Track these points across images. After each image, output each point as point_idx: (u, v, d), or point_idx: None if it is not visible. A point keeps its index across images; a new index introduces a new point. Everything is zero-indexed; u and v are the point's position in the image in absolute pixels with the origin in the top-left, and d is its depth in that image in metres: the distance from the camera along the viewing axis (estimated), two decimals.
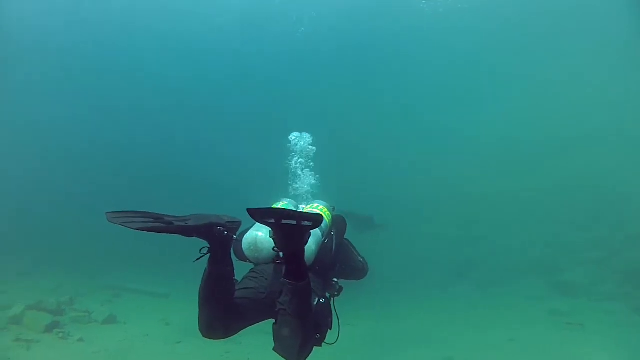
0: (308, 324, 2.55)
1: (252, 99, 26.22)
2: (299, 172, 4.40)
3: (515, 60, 23.80)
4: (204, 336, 2.70)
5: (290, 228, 2.30)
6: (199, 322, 2.67)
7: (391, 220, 16.05)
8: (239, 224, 2.79)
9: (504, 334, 10.14)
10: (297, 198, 4.11)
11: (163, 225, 2.44)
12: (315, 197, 4.17)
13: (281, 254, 2.65)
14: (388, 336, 10.89)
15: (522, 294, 13.28)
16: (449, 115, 25.08)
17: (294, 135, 4.59)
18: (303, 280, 2.48)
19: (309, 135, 4.61)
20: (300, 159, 4.48)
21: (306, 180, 4.37)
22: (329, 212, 3.32)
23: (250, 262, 3.07)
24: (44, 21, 21.37)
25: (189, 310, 10.04)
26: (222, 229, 2.61)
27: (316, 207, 3.29)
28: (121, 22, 22.89)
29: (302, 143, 4.54)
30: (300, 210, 3.30)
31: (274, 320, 2.68)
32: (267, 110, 24.95)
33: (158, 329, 10.63)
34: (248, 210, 2.23)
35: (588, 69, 22.02)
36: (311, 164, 4.51)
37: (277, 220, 2.27)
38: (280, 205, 3.34)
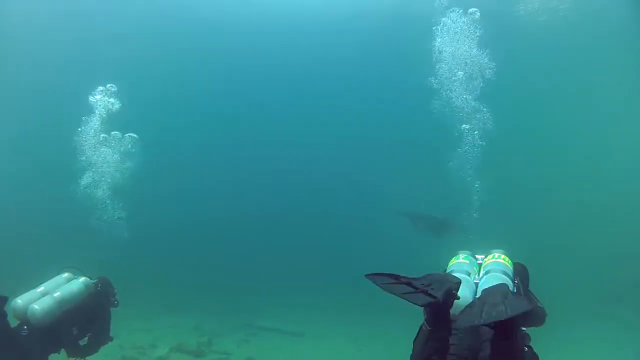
0: None
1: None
2: None
3: None
4: None
5: None
6: None
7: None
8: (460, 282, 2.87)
9: None
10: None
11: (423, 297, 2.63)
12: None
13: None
14: None
15: None
16: (598, 126, 22.39)
17: None
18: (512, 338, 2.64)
19: None
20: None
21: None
22: (510, 260, 3.33)
23: None
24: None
25: (325, 353, 9.78)
26: (455, 291, 2.73)
27: (498, 257, 3.32)
28: None
29: None
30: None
31: None
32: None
33: None
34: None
35: None
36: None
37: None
38: (461, 258, 3.38)
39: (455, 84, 10.19)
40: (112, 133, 9.67)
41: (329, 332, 12.89)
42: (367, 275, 2.70)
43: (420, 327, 2.83)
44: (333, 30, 21.35)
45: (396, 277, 2.66)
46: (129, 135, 9.82)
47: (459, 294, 2.78)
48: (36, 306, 4.06)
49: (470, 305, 2.70)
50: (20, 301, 4.11)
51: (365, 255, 17.01)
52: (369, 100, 23.72)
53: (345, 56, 22.07)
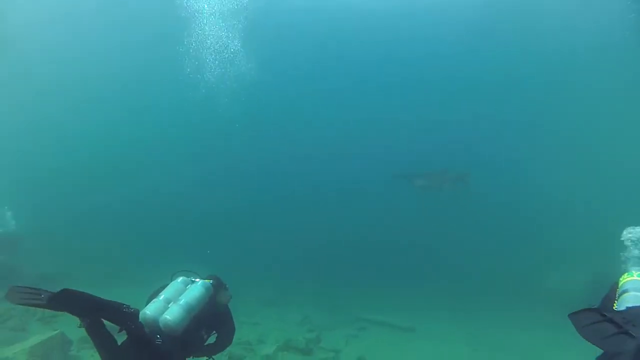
0: None
1: None
2: None
3: None
4: None
5: None
6: None
7: None
8: None
9: None
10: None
11: None
12: None
13: None
14: None
15: None
16: None
17: None
18: None
19: None
20: None
21: None
22: None
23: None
24: None
25: (439, 352, 9.31)
26: None
27: None
28: None
29: None
30: None
31: None
32: None
33: None
34: None
35: None
36: None
37: None
38: (635, 276, 3.16)
39: None
40: None
41: (440, 329, 12.48)
42: (570, 315, 2.53)
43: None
44: None
45: (601, 314, 2.45)
46: None
47: None
48: (168, 316, 4.21)
49: None
50: (148, 312, 4.25)
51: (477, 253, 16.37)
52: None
53: None
